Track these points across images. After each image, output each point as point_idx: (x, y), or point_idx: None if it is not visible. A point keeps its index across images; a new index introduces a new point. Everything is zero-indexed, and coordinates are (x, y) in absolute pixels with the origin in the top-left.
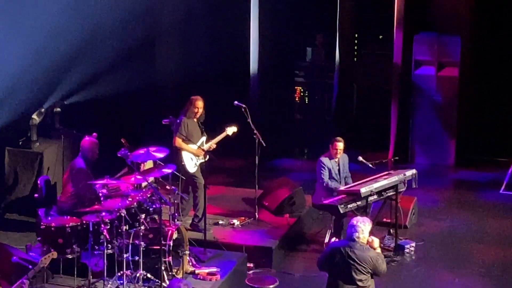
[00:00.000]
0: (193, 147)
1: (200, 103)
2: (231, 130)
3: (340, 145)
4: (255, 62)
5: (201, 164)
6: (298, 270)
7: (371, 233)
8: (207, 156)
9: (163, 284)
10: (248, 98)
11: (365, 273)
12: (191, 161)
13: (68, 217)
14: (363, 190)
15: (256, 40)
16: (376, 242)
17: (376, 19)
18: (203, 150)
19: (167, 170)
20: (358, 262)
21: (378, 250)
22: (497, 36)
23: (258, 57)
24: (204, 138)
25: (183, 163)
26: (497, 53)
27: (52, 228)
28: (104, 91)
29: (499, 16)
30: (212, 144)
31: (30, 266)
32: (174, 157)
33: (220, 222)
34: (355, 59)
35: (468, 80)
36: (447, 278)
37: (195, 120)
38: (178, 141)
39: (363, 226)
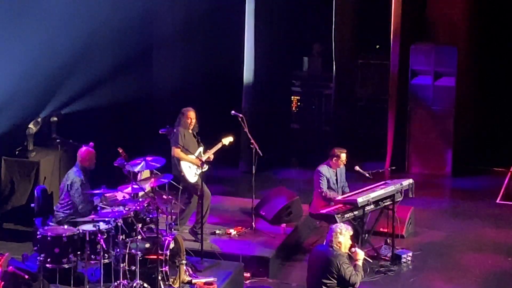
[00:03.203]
0: (191, 157)
1: (192, 114)
2: (227, 140)
3: (345, 156)
4: (249, 72)
5: (200, 174)
6: (295, 279)
7: (351, 241)
8: (206, 166)
9: None
10: (242, 108)
11: (330, 278)
12: (190, 170)
13: (65, 226)
14: (360, 199)
15: (251, 50)
16: (359, 254)
17: (373, 28)
18: (201, 160)
19: (164, 180)
20: (325, 265)
21: (359, 262)
22: (494, 46)
23: (253, 67)
24: (201, 149)
25: (182, 174)
26: (494, 62)
27: (49, 238)
28: (101, 100)
29: (495, 26)
30: (210, 154)
31: (27, 276)
32: (173, 168)
33: (217, 231)
34: (352, 68)
35: (464, 89)
36: (444, 287)
37: (189, 131)
38: (177, 151)
39: (339, 231)
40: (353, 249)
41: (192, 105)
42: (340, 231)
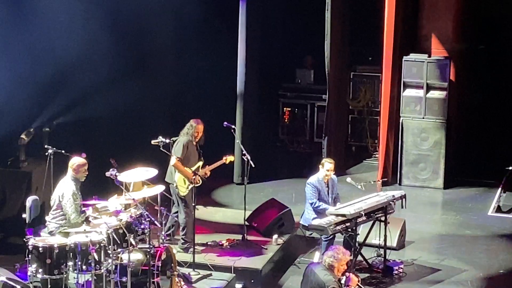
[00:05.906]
0: (188, 171)
1: (201, 128)
2: (228, 159)
3: (331, 166)
4: (241, 83)
5: (192, 188)
6: None
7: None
8: (200, 182)
9: None
10: (236, 119)
11: None
12: (184, 184)
13: (56, 237)
14: (352, 211)
15: (243, 62)
16: (353, 280)
17: (365, 41)
18: (196, 174)
19: (156, 191)
20: (313, 283)
21: None
22: (486, 59)
23: (245, 78)
24: (200, 163)
25: (175, 185)
26: (485, 75)
27: (40, 248)
28: (93, 111)
29: (488, 40)
30: (207, 170)
31: (18, 287)
32: (168, 176)
33: (209, 243)
34: (345, 80)
35: (456, 102)
36: None
37: (194, 143)
38: (176, 162)
39: (335, 255)
40: (347, 274)
41: (185, 115)
42: (336, 255)
